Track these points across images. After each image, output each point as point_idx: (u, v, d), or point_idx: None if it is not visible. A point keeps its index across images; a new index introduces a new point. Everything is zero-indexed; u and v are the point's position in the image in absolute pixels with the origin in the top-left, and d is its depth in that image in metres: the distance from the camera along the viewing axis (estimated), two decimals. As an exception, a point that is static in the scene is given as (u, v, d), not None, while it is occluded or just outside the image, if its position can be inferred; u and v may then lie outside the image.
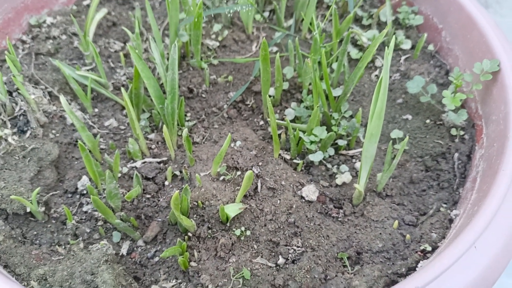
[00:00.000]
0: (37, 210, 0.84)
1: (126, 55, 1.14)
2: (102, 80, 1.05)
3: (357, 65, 0.91)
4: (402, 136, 0.97)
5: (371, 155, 0.83)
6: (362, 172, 0.85)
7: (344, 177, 0.92)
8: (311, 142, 0.93)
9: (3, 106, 0.96)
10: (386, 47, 0.71)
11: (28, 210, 0.84)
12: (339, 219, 0.88)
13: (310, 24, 1.15)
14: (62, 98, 0.88)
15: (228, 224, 0.85)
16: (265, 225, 0.85)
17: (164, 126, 0.90)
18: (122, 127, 1.03)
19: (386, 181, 0.88)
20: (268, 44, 1.12)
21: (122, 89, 0.86)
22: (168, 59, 1.11)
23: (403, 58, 1.11)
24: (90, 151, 0.95)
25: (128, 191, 0.92)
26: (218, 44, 1.14)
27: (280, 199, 0.87)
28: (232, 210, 0.83)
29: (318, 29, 1.00)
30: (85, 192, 0.91)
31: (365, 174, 0.85)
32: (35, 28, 1.15)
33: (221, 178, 0.91)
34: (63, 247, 0.84)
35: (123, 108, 1.06)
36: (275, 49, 1.16)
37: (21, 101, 0.96)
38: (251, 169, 0.92)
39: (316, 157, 0.93)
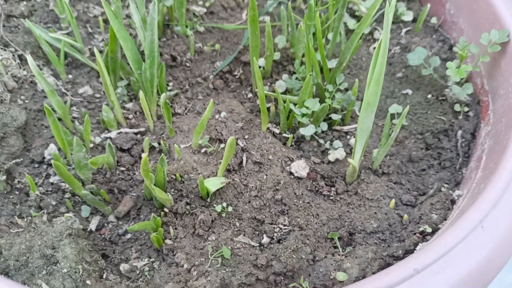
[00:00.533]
0: (-2, 179, 0.76)
1: (106, 21, 1.06)
2: (77, 44, 0.96)
3: (354, 31, 0.83)
4: (401, 111, 0.89)
5: (367, 128, 0.75)
6: (357, 147, 0.77)
7: (337, 153, 0.85)
8: (303, 115, 0.85)
9: (-34, 67, 0.87)
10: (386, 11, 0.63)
11: (-14, 178, 0.76)
12: (331, 197, 0.80)
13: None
14: (29, 58, 0.80)
15: (208, 200, 0.77)
16: (249, 202, 0.77)
17: (141, 92, 0.82)
18: (98, 95, 0.94)
19: (382, 157, 0.80)
20: (259, 12, 1.04)
21: (96, 51, 0.78)
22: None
23: (404, 30, 1.03)
24: (60, 119, 0.86)
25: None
26: (205, 10, 1.05)
27: (266, 175, 0.80)
28: (213, 184, 0.76)
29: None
30: (52, 162, 0.83)
31: (360, 148, 0.77)
32: (8, -11, 1.06)
33: (203, 150, 0.83)
34: (25, 219, 0.75)
35: (100, 75, 0.97)
36: (266, 18, 1.08)
37: (-14, 62, 0.88)
38: (236, 142, 0.84)
39: (307, 131, 0.85)
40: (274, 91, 0.93)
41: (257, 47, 0.88)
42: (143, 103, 0.83)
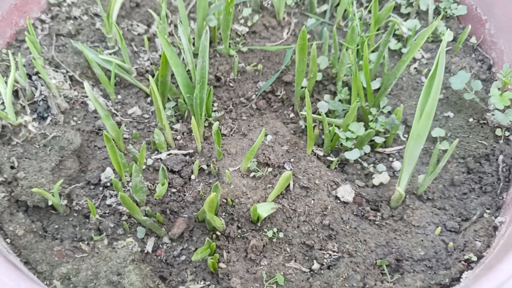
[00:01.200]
0: (59, 203, 0.80)
1: (150, 39, 1.09)
2: (125, 65, 0.99)
3: (402, 58, 0.85)
4: (444, 135, 0.91)
5: (414, 157, 0.77)
6: (404, 174, 0.80)
7: (381, 177, 0.87)
8: (347, 139, 0.88)
9: (23, 90, 0.91)
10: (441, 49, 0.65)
11: (49, 203, 0.80)
12: (376, 222, 0.83)
13: (345, 11, 1.09)
14: (86, 84, 0.83)
15: (259, 224, 0.81)
16: (298, 227, 0.80)
17: (193, 118, 0.85)
18: (146, 116, 0.98)
19: (428, 184, 0.82)
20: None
21: (151, 80, 0.81)
22: (194, 44, 1.05)
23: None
24: (114, 141, 0.90)
25: (153, 184, 0.88)
26: (247, 29, 1.07)
27: (314, 199, 0.83)
28: (264, 210, 0.79)
29: (355, 17, 0.93)
30: (108, 184, 0.87)
31: (406, 176, 0.80)
32: (55, 7, 1.09)
33: (252, 174, 0.86)
34: (87, 243, 0.80)
35: (147, 95, 1.01)
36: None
37: (41, 85, 0.91)
38: (283, 166, 0.87)
39: (352, 155, 0.87)
40: (315, 113, 0.96)
41: (303, 72, 0.90)
42: (194, 128, 0.86)
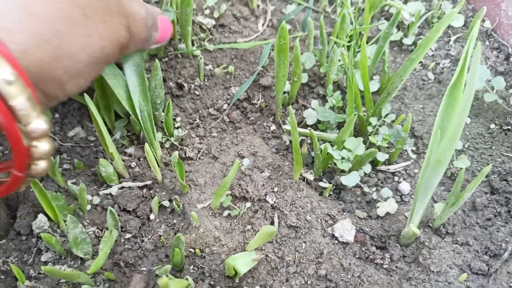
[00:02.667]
0: (-26, 270, 0.61)
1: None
2: (63, 75, 0.79)
3: (409, 56, 0.67)
4: (461, 147, 0.74)
5: (432, 187, 0.60)
6: (417, 207, 0.63)
7: (387, 205, 0.70)
8: (343, 160, 0.70)
9: None
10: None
11: (-40, 271, 0.61)
12: (385, 266, 0.66)
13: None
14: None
15: (237, 280, 0.63)
16: (287, 280, 0.63)
17: (146, 145, 0.66)
18: (92, 138, 0.78)
19: (448, 216, 0.65)
20: (280, 20, 0.87)
21: (87, 97, 0.62)
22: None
23: (453, 38, 0.86)
24: (47, 176, 0.71)
25: (101, 230, 0.69)
26: (214, 22, 0.87)
27: (305, 242, 0.65)
28: (243, 263, 0.61)
29: (346, 2, 0.75)
30: (41, 233, 0.67)
31: (421, 210, 0.63)
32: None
33: (225, 213, 0.68)
34: (13, 320, 0.61)
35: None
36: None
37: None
38: (264, 198, 0.69)
39: (350, 181, 0.70)
40: (301, 123, 0.78)
41: (285, 76, 0.71)
42: (148, 155, 0.67)
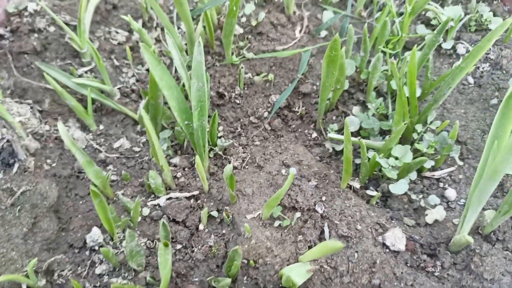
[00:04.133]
0: (37, 285, 0.62)
1: (133, 48, 0.89)
2: (105, 86, 0.80)
3: (459, 64, 0.67)
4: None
5: (486, 196, 0.60)
6: (470, 215, 0.63)
7: (435, 213, 0.70)
8: (391, 168, 0.70)
9: (-22, 132, 0.72)
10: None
11: (24, 287, 0.62)
12: (436, 274, 0.66)
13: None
14: (61, 126, 0.64)
15: (292, 291, 0.64)
16: (341, 290, 0.64)
17: (197, 158, 0.66)
18: (136, 149, 0.79)
19: (499, 224, 0.66)
20: (318, 28, 0.87)
21: (143, 113, 0.62)
22: (187, 52, 0.86)
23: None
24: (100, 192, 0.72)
25: (152, 241, 0.70)
26: (251, 30, 0.88)
27: (357, 251, 0.66)
28: (298, 274, 0.62)
29: (391, 9, 0.75)
30: (96, 247, 0.69)
31: (473, 218, 0.63)
32: (15, 18, 0.88)
33: (276, 223, 0.68)
34: (74, 333, 0.62)
35: (136, 122, 0.82)
36: (323, 33, 0.91)
37: (3, 127, 0.72)
38: (314, 208, 0.69)
39: (399, 189, 0.70)
40: (341, 131, 0.78)
41: (331, 86, 0.72)
42: (199, 167, 0.68)
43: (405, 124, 0.66)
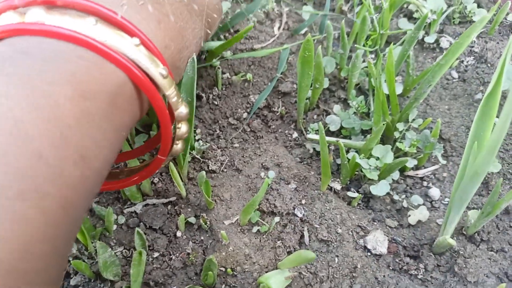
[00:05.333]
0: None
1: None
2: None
3: (438, 61, 0.65)
4: (491, 149, 0.72)
5: (468, 198, 0.58)
6: (452, 217, 0.61)
7: (418, 213, 0.69)
8: (371, 169, 0.68)
9: None
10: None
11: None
12: (419, 276, 0.65)
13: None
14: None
15: (271, 299, 0.62)
16: (321, 297, 0.62)
17: (170, 163, 0.64)
18: (112, 154, 0.77)
19: (483, 224, 0.64)
20: (297, 29, 0.84)
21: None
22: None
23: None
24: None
25: (128, 250, 0.68)
26: (228, 28, 0.85)
27: (338, 256, 0.64)
28: (276, 281, 0.60)
29: (369, 6, 0.72)
30: (70, 258, 0.67)
31: (456, 219, 0.61)
32: None
33: (254, 229, 0.67)
34: None
35: (111, 127, 0.79)
36: (304, 29, 0.88)
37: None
38: (293, 212, 0.67)
39: (380, 190, 0.68)
40: (326, 129, 0.76)
41: (308, 86, 0.69)
42: (174, 175, 0.66)
43: (384, 124, 0.64)
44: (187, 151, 0.68)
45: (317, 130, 0.77)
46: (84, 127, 0.38)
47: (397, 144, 0.70)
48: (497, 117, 0.52)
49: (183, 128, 0.54)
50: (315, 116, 0.80)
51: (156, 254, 0.68)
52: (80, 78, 0.38)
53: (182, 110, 0.50)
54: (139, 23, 0.45)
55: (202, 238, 0.68)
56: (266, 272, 0.63)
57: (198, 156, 0.76)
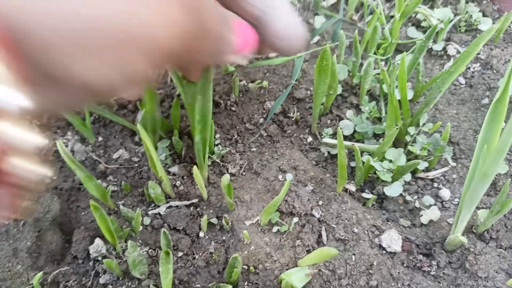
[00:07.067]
0: (41, 297, 0.64)
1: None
2: (103, 98, 0.81)
3: (448, 69, 0.68)
4: (498, 152, 0.76)
5: (478, 198, 0.62)
6: (463, 216, 0.64)
7: (430, 213, 0.72)
8: (385, 171, 0.72)
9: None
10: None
11: (29, 299, 0.64)
12: (432, 273, 0.68)
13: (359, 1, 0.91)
14: (59, 143, 0.66)
15: (292, 295, 0.65)
16: (340, 293, 0.65)
17: (194, 167, 0.68)
18: (135, 159, 0.81)
19: (492, 223, 0.67)
20: (312, 34, 0.88)
21: (140, 128, 0.63)
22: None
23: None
24: (101, 204, 0.73)
25: (154, 250, 0.72)
26: (245, 38, 0.89)
27: (355, 254, 0.67)
28: (297, 278, 0.63)
29: (380, 16, 0.76)
30: (100, 258, 0.70)
31: (466, 219, 0.65)
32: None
33: (274, 229, 0.70)
34: None
35: (134, 132, 0.83)
36: (315, 38, 0.92)
37: (2, 142, 0.73)
38: (311, 213, 0.71)
39: (393, 192, 0.72)
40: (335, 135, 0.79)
41: (323, 93, 0.73)
42: (197, 178, 0.69)
43: (397, 128, 0.67)
44: (205, 155, 0.72)
45: (331, 135, 0.80)
46: None
47: (409, 147, 0.74)
48: (505, 121, 0.56)
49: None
50: (328, 121, 0.83)
51: (180, 254, 0.72)
52: None
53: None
54: None
55: (224, 238, 0.72)
56: (287, 269, 0.66)
57: (218, 160, 0.79)
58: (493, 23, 0.89)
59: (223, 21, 0.45)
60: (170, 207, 0.75)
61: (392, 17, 0.86)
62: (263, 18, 0.48)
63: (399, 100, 0.74)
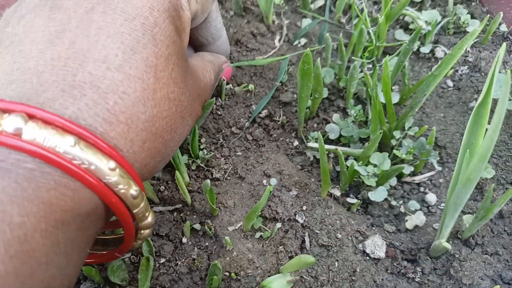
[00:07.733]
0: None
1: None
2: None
3: (432, 72, 0.67)
4: (485, 156, 0.75)
5: (462, 203, 0.61)
6: (448, 221, 0.64)
7: (415, 218, 0.71)
8: (369, 176, 0.71)
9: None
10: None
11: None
12: (417, 279, 0.67)
13: (346, 3, 0.90)
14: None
15: (274, 302, 0.65)
16: (322, 300, 0.64)
17: (177, 173, 0.67)
18: (120, 164, 0.80)
19: (477, 228, 0.66)
20: (295, 36, 0.87)
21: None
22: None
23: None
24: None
25: (136, 256, 0.71)
26: (230, 41, 0.88)
27: (338, 260, 0.67)
28: (278, 285, 0.63)
29: (365, 21, 0.75)
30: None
31: (451, 224, 0.64)
32: None
33: (257, 235, 0.69)
34: None
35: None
36: (302, 40, 0.91)
37: None
38: (294, 218, 0.70)
39: (378, 196, 0.71)
40: (326, 138, 0.79)
41: (307, 97, 0.72)
42: (179, 183, 0.68)
43: (380, 132, 0.66)
44: (180, 159, 0.71)
45: (317, 139, 0.79)
46: (53, 260, 0.36)
47: (394, 151, 0.73)
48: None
49: (145, 232, 0.53)
50: (315, 125, 0.83)
51: (162, 260, 0.71)
52: (55, 208, 0.36)
53: (148, 220, 0.50)
54: (123, 144, 0.43)
55: (207, 244, 0.71)
56: (269, 276, 0.65)
57: (202, 165, 0.78)
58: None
59: (215, 81, 0.73)
60: (153, 212, 0.74)
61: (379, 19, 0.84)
62: (214, 40, 0.73)
63: (384, 104, 0.73)
